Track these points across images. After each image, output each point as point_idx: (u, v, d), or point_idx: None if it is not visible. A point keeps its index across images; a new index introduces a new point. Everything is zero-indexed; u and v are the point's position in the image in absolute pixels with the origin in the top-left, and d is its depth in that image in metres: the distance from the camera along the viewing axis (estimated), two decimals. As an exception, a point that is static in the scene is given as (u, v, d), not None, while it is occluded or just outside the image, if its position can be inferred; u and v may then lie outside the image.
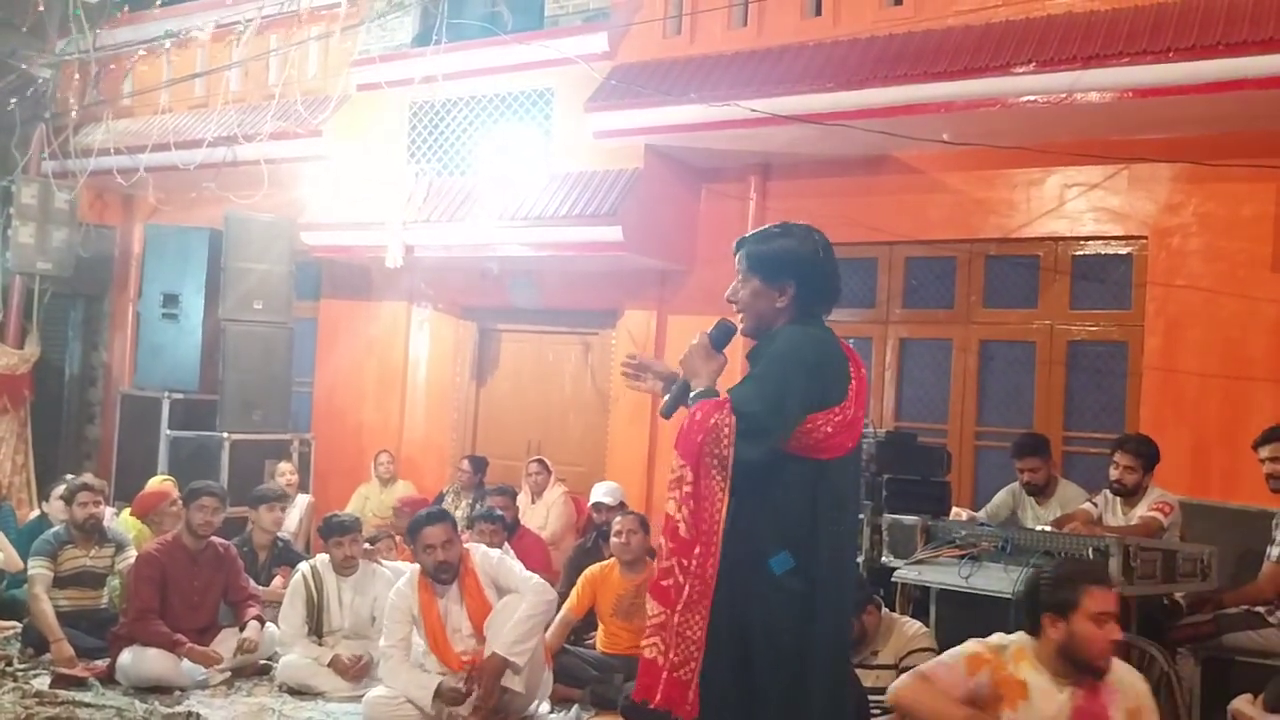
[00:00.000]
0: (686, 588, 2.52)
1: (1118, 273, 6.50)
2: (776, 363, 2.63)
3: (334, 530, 5.70)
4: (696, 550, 2.52)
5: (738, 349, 3.03)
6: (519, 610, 4.84)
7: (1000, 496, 5.80)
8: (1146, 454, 5.07)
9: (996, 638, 3.25)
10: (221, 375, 8.12)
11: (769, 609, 2.60)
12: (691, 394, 2.69)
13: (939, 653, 3.61)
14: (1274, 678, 3.97)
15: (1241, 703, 3.96)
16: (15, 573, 6.39)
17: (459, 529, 5.40)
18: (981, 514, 5.72)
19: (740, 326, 2.83)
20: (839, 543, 2.73)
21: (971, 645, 3.22)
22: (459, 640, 4.98)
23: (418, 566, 5.10)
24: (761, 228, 2.93)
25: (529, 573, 5.07)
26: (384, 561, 6.02)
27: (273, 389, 8.35)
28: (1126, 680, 3.14)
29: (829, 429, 2.64)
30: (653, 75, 7.00)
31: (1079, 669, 3.05)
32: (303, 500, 7.95)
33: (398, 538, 6.89)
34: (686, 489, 2.54)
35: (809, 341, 2.70)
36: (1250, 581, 4.68)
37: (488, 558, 5.10)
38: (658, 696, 2.52)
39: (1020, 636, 3.20)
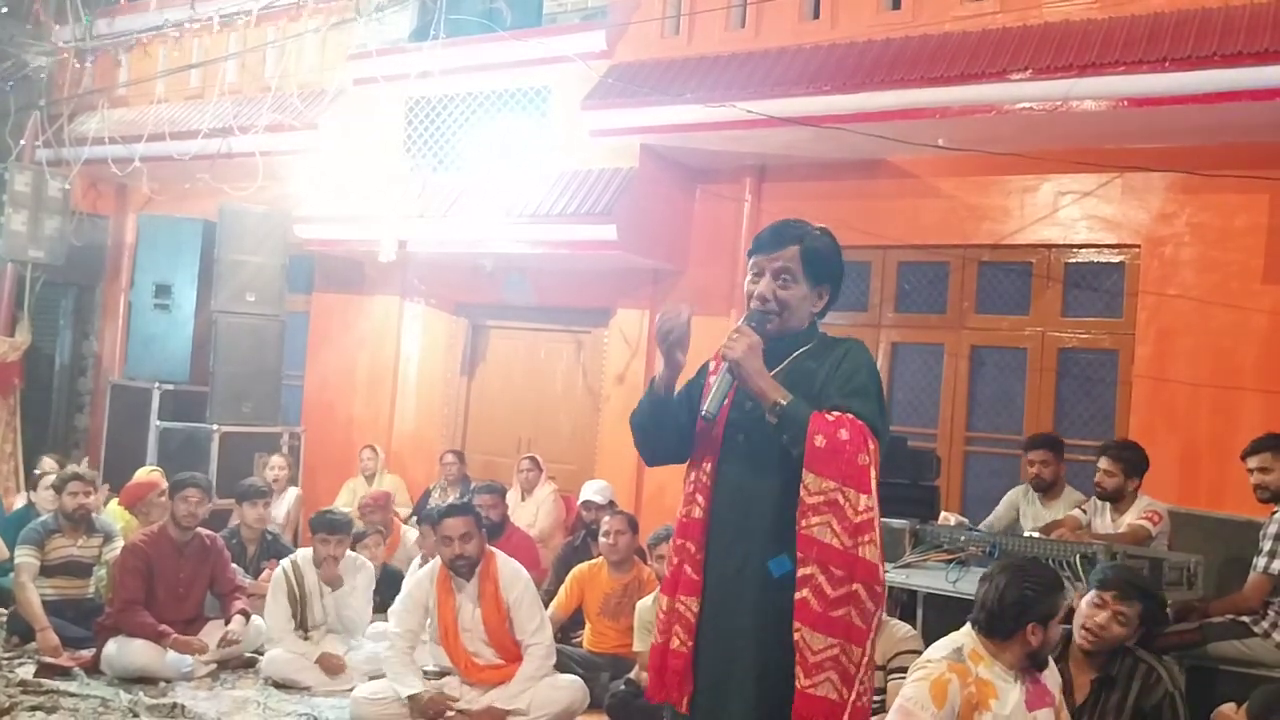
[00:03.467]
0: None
1: (1110, 281, 6.51)
2: (876, 381, 2.50)
3: (322, 527, 5.68)
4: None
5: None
6: (520, 670, 4.87)
7: (1002, 508, 5.71)
8: (1127, 459, 5.06)
9: (947, 647, 3.21)
10: (212, 367, 8.10)
11: None
12: (779, 404, 2.39)
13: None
14: (1258, 687, 3.98)
15: (1226, 711, 3.97)
16: (1, 561, 6.37)
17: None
18: (985, 523, 5.63)
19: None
20: None
21: (930, 670, 3.12)
22: (469, 640, 4.96)
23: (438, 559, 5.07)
24: (798, 221, 2.61)
25: (542, 620, 5.00)
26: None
27: (263, 382, 8.34)
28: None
29: None
30: (650, 75, 7.00)
31: (1035, 664, 3.19)
32: (292, 493, 7.93)
33: (383, 531, 6.88)
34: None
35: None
36: (1236, 591, 4.69)
37: (516, 577, 4.99)
38: None
39: (966, 637, 3.20)
